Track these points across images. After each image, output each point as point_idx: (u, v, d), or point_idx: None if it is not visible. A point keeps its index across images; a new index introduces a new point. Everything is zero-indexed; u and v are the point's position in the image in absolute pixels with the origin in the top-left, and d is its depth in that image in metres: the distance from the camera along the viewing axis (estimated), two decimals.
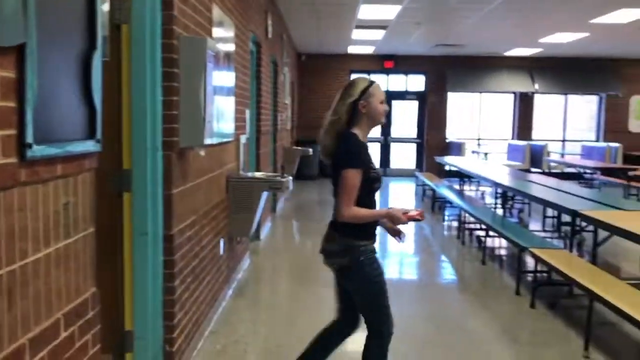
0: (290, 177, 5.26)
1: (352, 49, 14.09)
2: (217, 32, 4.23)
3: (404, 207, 2.88)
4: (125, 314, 3.07)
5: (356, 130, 2.80)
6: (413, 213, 2.80)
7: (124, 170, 3.02)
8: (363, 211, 2.75)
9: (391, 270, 6.35)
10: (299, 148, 10.92)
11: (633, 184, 10.08)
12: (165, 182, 3.19)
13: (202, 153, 3.77)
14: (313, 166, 14.05)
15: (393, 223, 2.87)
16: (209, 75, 3.44)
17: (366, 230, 2.82)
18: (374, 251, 2.84)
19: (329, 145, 2.81)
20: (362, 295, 2.82)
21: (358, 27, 10.63)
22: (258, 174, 5.54)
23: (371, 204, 2.84)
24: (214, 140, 3.87)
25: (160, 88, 3.10)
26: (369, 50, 14.12)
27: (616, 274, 4.93)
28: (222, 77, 4.06)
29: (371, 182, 2.79)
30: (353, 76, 15.14)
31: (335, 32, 11.46)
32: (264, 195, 4.98)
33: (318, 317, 4.51)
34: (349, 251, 2.76)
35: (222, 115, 4.12)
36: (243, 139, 5.47)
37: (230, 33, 4.76)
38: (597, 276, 4.25)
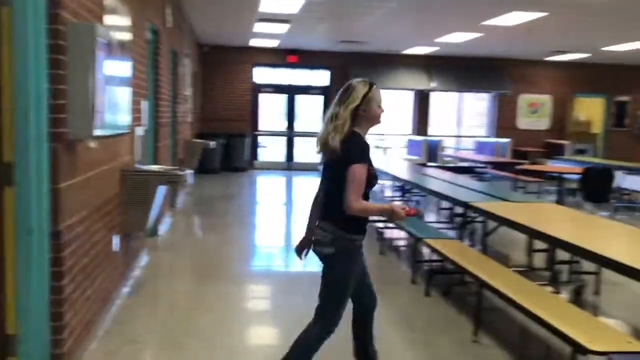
0: (190, 171, 5.14)
1: (255, 42, 13.99)
2: (110, 19, 4.04)
3: (402, 204, 3.07)
4: (7, 317, 2.88)
5: (357, 130, 2.98)
6: (410, 210, 2.93)
7: (4, 162, 2.82)
8: (370, 205, 2.95)
9: (295, 263, 6.38)
10: (201, 141, 10.70)
11: (520, 177, 10.74)
12: (52, 175, 3.01)
13: (93, 145, 3.60)
14: (216, 160, 13.84)
15: (392, 218, 3.03)
16: (99, 63, 3.28)
17: (361, 225, 2.99)
18: (361, 247, 3.04)
19: (336, 147, 2.91)
20: (332, 284, 3.03)
21: (261, 20, 10.56)
22: (155, 167, 5.37)
23: (366, 199, 2.97)
24: (106, 132, 3.70)
25: (45, 76, 2.92)
26: (272, 43, 14.08)
27: (504, 262, 5.22)
28: (116, 66, 3.89)
29: (371, 179, 2.94)
30: (256, 70, 15.18)
31: (237, 24, 11.33)
32: (161, 189, 4.83)
33: (219, 314, 4.47)
34: (339, 241, 2.94)
35: (116, 106, 3.95)
36: (139, 130, 5.28)
37: (125, 21, 4.57)
38: (486, 264, 4.49)
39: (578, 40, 12.06)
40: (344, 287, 3.01)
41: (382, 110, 3.08)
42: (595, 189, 8.29)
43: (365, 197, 2.95)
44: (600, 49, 13.02)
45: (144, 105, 5.68)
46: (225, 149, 14.27)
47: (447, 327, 4.33)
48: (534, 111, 16.22)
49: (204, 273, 5.67)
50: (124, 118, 4.31)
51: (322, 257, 3.06)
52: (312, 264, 6.38)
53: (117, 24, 4.26)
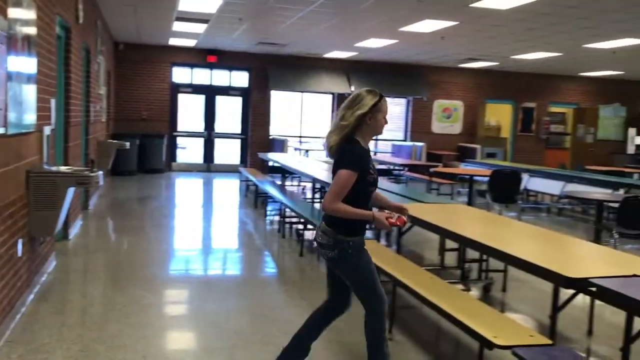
0: (101, 172, 4.95)
1: (173, 41, 13.69)
2: (14, 12, 3.83)
3: (388, 213, 3.15)
4: None
5: (359, 138, 3.08)
6: (394, 220, 3.05)
7: None
8: (347, 208, 2.99)
9: (213, 267, 6.29)
10: (115, 142, 10.34)
11: (434, 179, 11.10)
12: None
13: None
14: (131, 161, 13.43)
15: (377, 226, 3.10)
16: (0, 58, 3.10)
17: (356, 227, 3.11)
18: (362, 243, 3.15)
19: (333, 146, 3.08)
20: (353, 281, 3.17)
21: (179, 19, 10.36)
22: (64, 168, 5.13)
23: (365, 204, 3.11)
24: (9, 131, 3.51)
25: None
26: (191, 43, 13.84)
27: (417, 262, 5.37)
28: (20, 62, 3.69)
29: (367, 185, 3.08)
30: (175, 69, 14.86)
31: (154, 22, 11.05)
32: (70, 191, 4.63)
33: (132, 319, 4.33)
34: (338, 245, 3.08)
35: (20, 104, 3.75)
36: (47, 130, 5.03)
37: (30, 15, 4.35)
38: (401, 264, 4.60)
39: (488, 49, 12.63)
40: (366, 276, 3.15)
41: (386, 122, 3.18)
42: (504, 191, 8.70)
43: (365, 202, 3.11)
44: (508, 58, 13.70)
45: (53, 103, 5.42)
46: (142, 150, 13.88)
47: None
48: (448, 116, 16.83)
49: (117, 277, 5.48)
50: (29, 117, 4.10)
51: (328, 259, 3.19)
52: (230, 267, 6.34)
53: (22, 18, 4.05)
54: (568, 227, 9.63)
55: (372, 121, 3.09)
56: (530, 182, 11.25)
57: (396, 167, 12.81)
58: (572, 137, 18.09)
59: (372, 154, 14.50)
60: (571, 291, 3.34)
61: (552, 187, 10.71)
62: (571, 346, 4.17)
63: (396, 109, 17.08)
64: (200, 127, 15.56)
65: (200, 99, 15.46)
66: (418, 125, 16.68)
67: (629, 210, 6.42)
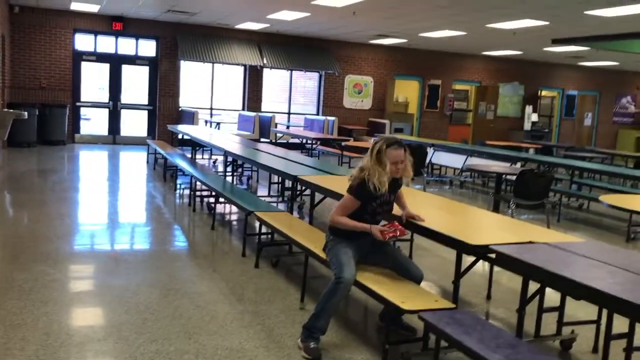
0: None
1: (75, 6, 12.93)
2: None
3: (385, 226, 3.56)
4: None
5: (371, 176, 3.59)
6: (391, 232, 3.49)
7: None
8: (346, 220, 3.68)
9: (122, 241, 6.10)
10: (11, 111, 9.71)
11: (345, 153, 11.29)
12: None
13: None
14: (30, 132, 12.67)
15: (374, 237, 3.55)
16: None
17: (345, 233, 3.74)
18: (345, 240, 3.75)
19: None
20: (329, 258, 3.80)
21: None
22: None
23: (370, 221, 3.68)
24: None
25: None
26: (94, 8, 13.12)
27: None
28: None
29: (368, 211, 3.70)
30: (78, 36, 14.07)
31: None
32: None
33: (33, 297, 4.13)
34: (328, 243, 3.87)
35: None
36: None
37: None
38: (312, 235, 4.67)
39: (398, 26, 12.89)
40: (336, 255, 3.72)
41: (396, 167, 3.65)
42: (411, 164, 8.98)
43: (368, 220, 3.67)
44: (417, 35, 14.05)
45: None
46: (42, 121, 13.12)
47: (276, 297, 4.45)
48: (359, 91, 17.09)
49: (16, 253, 5.20)
50: None
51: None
52: (139, 241, 6.18)
53: None
54: (469, 199, 10.13)
55: (380, 167, 3.59)
56: (435, 156, 11.71)
57: (309, 141, 12.89)
58: (474, 114, 18.93)
59: (283, 127, 14.43)
60: (472, 258, 3.54)
61: (455, 161, 11.21)
62: (472, 310, 4.42)
63: (309, 83, 17.13)
64: (105, 97, 14.88)
65: (105, 67, 14.76)
66: (330, 99, 16.83)
67: (525, 182, 6.84)
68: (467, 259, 3.53)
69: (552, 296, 3.78)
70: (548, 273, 2.71)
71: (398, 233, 3.51)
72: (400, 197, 3.91)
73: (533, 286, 3.35)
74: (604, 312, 3.53)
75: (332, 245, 3.78)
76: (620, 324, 3.34)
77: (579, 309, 3.93)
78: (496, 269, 4.68)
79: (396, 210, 3.85)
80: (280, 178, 7.96)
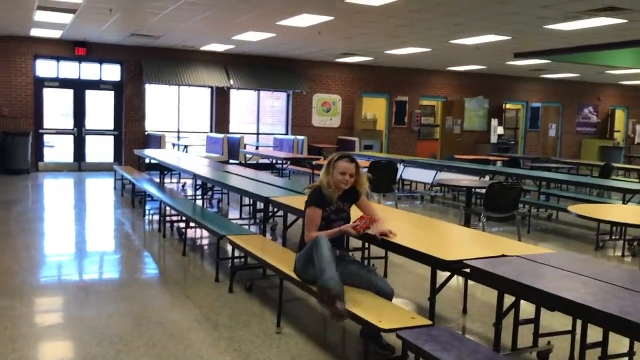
0: None
1: (36, 32, 12.75)
2: None
3: (353, 223, 3.82)
4: None
5: (324, 188, 3.92)
6: (362, 225, 3.70)
7: None
8: (319, 233, 3.80)
9: (90, 271, 5.96)
10: None
11: (316, 172, 11.28)
12: None
13: None
14: None
15: (349, 235, 3.92)
16: None
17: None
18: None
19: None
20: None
21: (41, 7, 9.66)
22: None
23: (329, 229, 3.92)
24: None
25: None
26: (56, 34, 12.96)
27: None
28: None
29: (325, 218, 3.94)
30: (39, 62, 13.85)
31: (12, 11, 10.22)
32: None
33: None
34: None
35: None
36: None
37: None
38: (286, 257, 4.62)
39: (362, 44, 13.02)
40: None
41: (344, 178, 3.89)
42: (381, 181, 9.03)
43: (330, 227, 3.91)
44: (382, 52, 14.22)
45: None
46: (3, 149, 12.84)
47: (251, 321, 4.39)
48: (327, 110, 17.17)
49: None
50: None
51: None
52: (108, 270, 6.04)
53: None
54: (441, 213, 10.21)
55: (330, 176, 3.88)
56: (405, 172, 11.79)
57: (278, 161, 12.86)
58: (441, 129, 19.17)
59: (252, 147, 14.41)
60: (447, 273, 3.54)
61: (425, 176, 11.31)
62: (449, 325, 4.42)
63: (277, 102, 17.15)
64: (69, 123, 14.64)
65: (69, 93, 14.54)
66: (299, 118, 16.86)
67: (494, 195, 6.92)
68: (442, 274, 3.53)
69: (527, 308, 3.80)
70: (522, 286, 2.72)
71: (368, 223, 3.72)
72: (365, 207, 4.11)
73: (508, 299, 3.36)
74: (579, 322, 3.57)
75: (302, 258, 3.93)
76: (595, 333, 3.37)
77: (554, 320, 3.96)
78: (471, 282, 4.70)
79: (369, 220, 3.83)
80: (251, 200, 7.90)
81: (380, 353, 3.72)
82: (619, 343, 3.60)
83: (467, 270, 3.08)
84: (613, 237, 7.83)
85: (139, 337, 4.03)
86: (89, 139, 14.85)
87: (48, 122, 14.35)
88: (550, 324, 3.98)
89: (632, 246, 7.37)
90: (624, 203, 7.88)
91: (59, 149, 14.75)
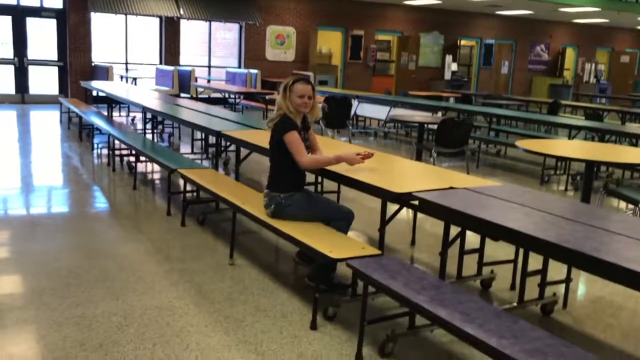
0: None
1: None
2: None
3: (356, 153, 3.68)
4: None
5: (290, 115, 3.74)
6: (364, 155, 3.66)
7: None
8: (318, 158, 3.79)
9: (38, 205, 5.82)
10: None
11: (270, 107, 11.15)
12: None
13: None
14: None
15: (350, 164, 3.64)
16: None
17: (295, 184, 3.86)
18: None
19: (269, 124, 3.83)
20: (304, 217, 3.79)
21: None
22: None
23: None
24: None
25: None
26: None
27: (256, 188, 5.42)
28: None
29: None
30: None
31: None
32: None
33: None
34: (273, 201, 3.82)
35: None
36: None
37: None
38: (239, 190, 4.62)
39: None
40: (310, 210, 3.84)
41: (303, 100, 3.71)
42: (336, 117, 9.02)
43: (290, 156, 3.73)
44: None
45: None
46: None
47: (204, 254, 4.41)
48: (281, 42, 16.82)
49: None
50: None
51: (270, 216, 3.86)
52: (57, 205, 5.92)
53: None
54: (394, 149, 10.33)
55: (289, 101, 3.71)
56: (360, 108, 11.79)
57: (231, 95, 12.64)
58: (396, 64, 19.12)
59: (204, 81, 14.12)
60: (397, 206, 3.61)
61: (379, 112, 11.34)
62: (398, 255, 4.56)
63: (229, 34, 16.68)
64: (9, 53, 13.91)
65: (7, 20, 13.74)
66: (252, 51, 16.49)
67: (446, 131, 7.03)
68: (392, 208, 3.60)
69: (472, 239, 3.95)
70: (467, 216, 2.80)
71: (369, 156, 3.70)
72: (314, 139, 3.98)
73: (454, 230, 3.47)
74: (521, 251, 3.73)
75: (291, 203, 3.74)
76: (535, 262, 3.53)
77: (498, 250, 4.13)
78: (420, 215, 4.82)
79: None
80: (203, 134, 7.78)
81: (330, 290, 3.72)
82: (557, 271, 3.79)
83: (416, 202, 3.15)
84: (558, 172, 8.12)
85: (89, 270, 4.01)
86: (32, 70, 14.19)
87: None
88: (494, 253, 4.14)
89: (574, 180, 7.66)
90: (569, 139, 8.13)
91: None
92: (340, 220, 3.77)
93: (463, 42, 20.37)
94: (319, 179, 5.58)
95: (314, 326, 3.27)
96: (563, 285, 3.78)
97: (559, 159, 7.27)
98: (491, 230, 2.78)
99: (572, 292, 3.95)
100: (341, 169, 3.65)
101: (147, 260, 4.24)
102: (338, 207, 3.96)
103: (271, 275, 4.05)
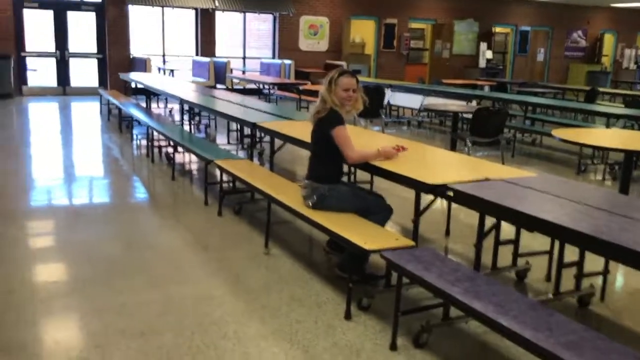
0: None
1: None
2: None
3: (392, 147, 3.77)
4: None
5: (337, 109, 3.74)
6: (400, 148, 3.79)
7: None
8: (366, 151, 3.72)
9: (80, 196, 6.00)
10: None
11: (303, 97, 11.20)
12: None
13: None
14: None
15: (388, 159, 3.66)
16: None
17: (338, 175, 3.95)
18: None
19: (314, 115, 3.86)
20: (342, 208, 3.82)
21: None
22: None
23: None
24: None
25: None
26: None
27: (290, 178, 5.49)
28: None
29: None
30: None
31: None
32: None
33: None
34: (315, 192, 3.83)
35: None
36: None
37: None
38: (274, 181, 4.69)
39: None
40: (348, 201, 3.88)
41: (348, 94, 3.74)
42: (369, 106, 8.99)
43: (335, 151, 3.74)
44: None
45: None
46: None
47: (240, 243, 4.50)
48: (315, 33, 16.82)
49: None
50: None
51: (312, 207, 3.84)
52: (98, 195, 6.10)
53: None
54: (427, 138, 10.27)
55: (334, 94, 3.71)
56: (393, 97, 11.73)
57: (265, 86, 12.72)
58: (430, 53, 18.93)
59: (239, 72, 14.16)
60: (431, 196, 3.62)
61: (413, 101, 11.26)
62: (432, 246, 4.57)
63: (263, 25, 16.75)
64: (51, 46, 14.27)
65: (49, 14, 14.08)
66: (286, 42, 16.53)
67: (481, 120, 6.97)
68: (426, 198, 3.62)
69: (507, 229, 3.93)
70: (502, 208, 2.81)
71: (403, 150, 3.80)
72: None
73: (489, 221, 3.47)
74: (557, 243, 3.70)
75: (335, 194, 3.77)
76: (571, 252, 3.51)
77: (534, 241, 4.10)
78: (454, 205, 4.81)
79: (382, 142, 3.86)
80: (238, 125, 7.88)
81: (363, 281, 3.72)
82: (594, 262, 3.75)
83: (451, 193, 3.16)
84: (595, 162, 7.97)
85: (129, 259, 4.14)
86: (73, 62, 14.53)
87: (30, 45, 13.97)
88: (530, 244, 4.12)
89: (612, 170, 7.51)
90: (607, 127, 7.96)
91: (42, 73, 14.44)
92: (379, 213, 3.80)
93: (498, 29, 20.02)
94: (352, 169, 5.61)
95: (348, 316, 3.32)
96: (600, 277, 3.74)
97: (597, 148, 7.13)
98: (527, 222, 2.78)
99: (610, 284, 3.90)
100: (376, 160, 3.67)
101: (185, 249, 4.35)
102: (379, 200, 3.97)
103: (305, 265, 4.11)
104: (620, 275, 4.22)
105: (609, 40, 21.88)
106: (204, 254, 4.30)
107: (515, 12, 19.79)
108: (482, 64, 18.87)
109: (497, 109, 7.61)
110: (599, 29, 21.50)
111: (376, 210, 3.81)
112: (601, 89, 12.70)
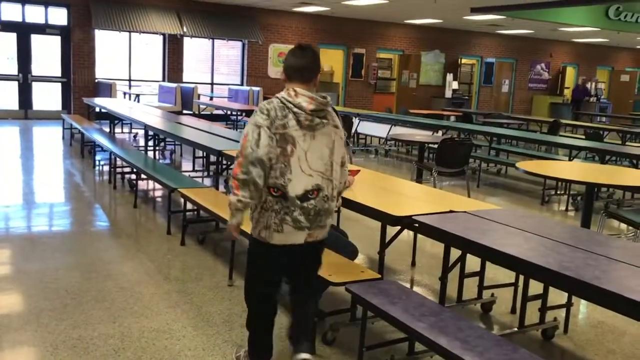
0: None
1: None
2: None
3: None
4: None
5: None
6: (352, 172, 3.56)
7: None
8: None
9: (38, 223, 5.82)
10: None
11: None
12: None
13: None
14: None
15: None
16: None
17: None
18: None
19: None
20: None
21: None
22: None
23: None
24: None
25: None
26: None
27: None
28: None
29: None
30: None
31: None
32: None
33: None
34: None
35: None
36: None
37: None
38: None
39: None
40: None
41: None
42: None
43: None
44: (340, 3, 13.99)
45: None
46: None
47: (203, 274, 4.40)
48: (283, 60, 16.89)
49: None
50: None
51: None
52: (57, 222, 5.91)
53: None
54: (394, 167, 10.33)
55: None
56: (361, 126, 11.82)
57: (233, 113, 12.68)
58: (397, 82, 19.20)
59: (207, 98, 14.04)
60: (397, 227, 3.60)
61: (380, 130, 11.36)
62: (398, 277, 4.54)
63: (232, 52, 16.79)
64: (13, 69, 14.00)
65: (12, 37, 13.85)
66: (254, 69, 16.58)
67: (446, 151, 7.03)
68: (392, 230, 3.59)
69: (473, 261, 3.93)
70: (467, 241, 2.79)
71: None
72: None
73: (455, 252, 3.46)
74: (522, 275, 3.71)
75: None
76: (537, 285, 3.52)
77: (499, 272, 4.11)
78: (420, 235, 4.80)
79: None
80: (204, 152, 7.79)
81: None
82: (558, 295, 3.77)
83: (416, 225, 3.14)
84: (558, 192, 8.11)
85: (88, 290, 4.00)
86: (36, 86, 14.27)
87: None
88: (495, 276, 4.12)
89: (575, 201, 7.65)
90: (569, 159, 8.13)
91: (3, 96, 14.13)
92: (344, 255, 3.73)
93: (464, 61, 20.47)
94: None
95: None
96: (564, 310, 3.76)
97: (559, 180, 7.26)
98: (491, 256, 2.77)
99: (573, 317, 3.92)
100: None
101: (146, 280, 4.23)
102: (346, 243, 3.92)
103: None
104: (584, 307, 4.25)
105: (570, 72, 22.56)
106: (166, 285, 4.18)
107: (481, 44, 20.28)
108: (449, 94, 19.21)
109: (462, 140, 7.71)
110: (560, 61, 22.18)
111: (343, 253, 3.72)
112: (563, 121, 13.02)
